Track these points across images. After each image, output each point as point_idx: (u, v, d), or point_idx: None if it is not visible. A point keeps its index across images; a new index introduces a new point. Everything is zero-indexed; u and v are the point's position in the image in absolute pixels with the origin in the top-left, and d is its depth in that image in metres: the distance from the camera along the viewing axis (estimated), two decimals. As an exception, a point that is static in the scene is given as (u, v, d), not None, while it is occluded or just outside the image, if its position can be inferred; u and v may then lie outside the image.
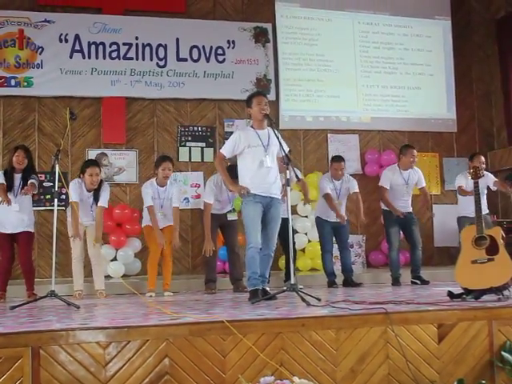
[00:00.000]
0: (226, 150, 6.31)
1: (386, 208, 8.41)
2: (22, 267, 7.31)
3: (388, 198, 8.33)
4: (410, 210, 8.44)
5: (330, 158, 9.17)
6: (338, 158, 8.39)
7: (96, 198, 7.40)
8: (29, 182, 7.13)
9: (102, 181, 7.55)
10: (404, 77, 12.00)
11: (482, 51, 12.64)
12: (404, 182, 8.36)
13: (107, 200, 7.53)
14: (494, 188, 8.81)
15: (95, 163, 7.56)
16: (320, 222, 8.30)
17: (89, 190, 7.40)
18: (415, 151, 8.46)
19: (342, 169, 8.26)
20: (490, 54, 12.58)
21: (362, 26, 11.93)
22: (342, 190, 8.28)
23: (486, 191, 8.77)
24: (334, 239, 8.38)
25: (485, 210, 8.35)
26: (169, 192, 7.70)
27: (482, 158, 8.76)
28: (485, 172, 8.28)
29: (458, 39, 12.38)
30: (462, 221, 8.68)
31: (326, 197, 8.15)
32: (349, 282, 8.11)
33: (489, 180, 8.67)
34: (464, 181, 8.62)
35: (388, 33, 12.04)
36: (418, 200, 9.66)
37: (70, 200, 7.23)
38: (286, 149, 6.24)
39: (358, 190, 8.34)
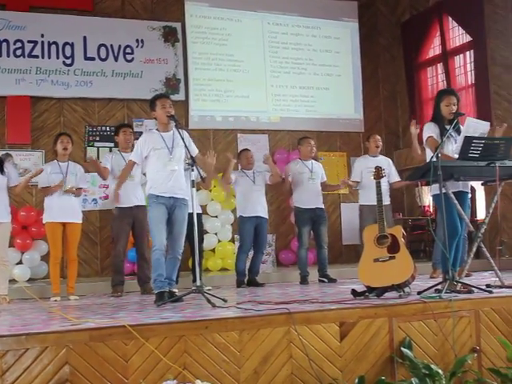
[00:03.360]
0: (134, 156, 6.32)
1: (298, 206, 8.48)
2: None
3: (289, 188, 8.47)
4: (322, 206, 8.50)
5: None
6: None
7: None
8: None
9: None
10: (313, 77, 12.17)
11: (388, 53, 12.97)
12: (308, 170, 8.44)
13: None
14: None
15: None
16: (242, 221, 8.29)
17: None
18: (312, 141, 8.63)
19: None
20: (395, 55, 12.93)
21: (271, 27, 12.03)
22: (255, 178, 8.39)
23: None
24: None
25: (387, 199, 8.54)
26: (74, 167, 7.57)
27: (377, 137, 8.82)
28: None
29: (365, 41, 12.66)
30: (362, 209, 8.70)
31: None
32: (253, 282, 8.17)
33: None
34: None
35: (297, 34, 12.19)
36: (326, 200, 9.76)
37: None
38: (195, 150, 6.26)
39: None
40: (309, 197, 8.38)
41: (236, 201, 8.54)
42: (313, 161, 8.63)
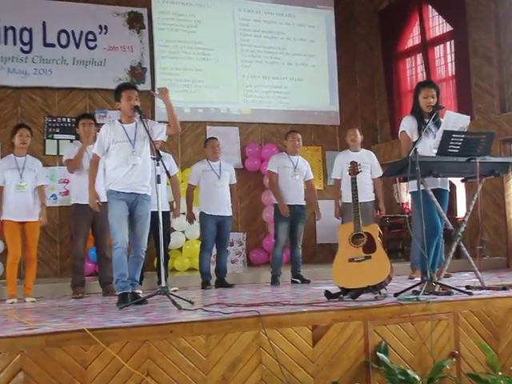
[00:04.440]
0: (97, 150, 6.25)
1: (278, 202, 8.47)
2: None
3: (277, 184, 8.40)
4: (303, 203, 8.48)
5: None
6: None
7: None
8: None
9: None
10: (286, 67, 12.15)
11: (365, 43, 13.01)
12: (292, 166, 8.43)
13: None
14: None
15: None
16: (204, 218, 8.26)
17: None
18: (299, 135, 8.62)
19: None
20: (373, 45, 12.97)
21: (242, 14, 11.99)
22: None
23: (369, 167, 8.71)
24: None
25: (370, 196, 8.63)
26: (32, 163, 7.47)
27: (353, 131, 8.86)
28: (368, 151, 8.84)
29: (341, 30, 12.66)
30: (345, 208, 8.68)
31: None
32: (221, 283, 8.16)
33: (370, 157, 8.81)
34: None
35: (270, 21, 12.16)
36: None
37: None
38: (164, 136, 6.24)
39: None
40: (290, 193, 8.37)
41: (199, 195, 8.49)
42: (299, 157, 8.61)
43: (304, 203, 8.50)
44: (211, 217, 8.18)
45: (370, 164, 8.64)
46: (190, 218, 8.35)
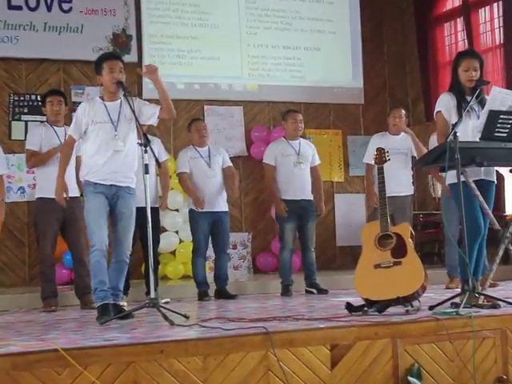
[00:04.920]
0: (73, 131, 6.23)
1: (282, 198, 8.45)
2: None
3: (273, 179, 8.43)
4: (310, 197, 8.51)
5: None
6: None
7: None
8: None
9: None
10: (300, 35, 12.13)
11: (394, 4, 12.98)
12: (294, 152, 8.45)
13: None
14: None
15: None
16: (193, 216, 8.28)
17: None
18: (300, 115, 8.69)
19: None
20: (404, 7, 12.94)
21: (247, -31, 11.99)
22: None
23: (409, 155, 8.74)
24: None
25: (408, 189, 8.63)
26: None
27: (402, 111, 8.86)
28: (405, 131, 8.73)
29: (366, -11, 12.64)
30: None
31: None
32: (222, 293, 8.17)
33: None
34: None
35: (280, -22, 12.14)
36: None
37: None
38: (155, 121, 6.22)
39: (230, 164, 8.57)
40: (294, 185, 8.38)
41: None
42: (301, 140, 8.66)
43: (311, 197, 8.53)
44: (203, 214, 8.17)
45: (408, 150, 8.63)
46: (199, 203, 8.12)
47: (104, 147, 6.04)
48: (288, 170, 8.40)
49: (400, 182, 8.14)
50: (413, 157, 8.63)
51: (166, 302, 7.05)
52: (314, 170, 8.68)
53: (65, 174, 6.35)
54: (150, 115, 6.17)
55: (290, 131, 8.58)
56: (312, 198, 8.52)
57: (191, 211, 8.28)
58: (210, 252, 8.69)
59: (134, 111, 5.99)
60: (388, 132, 8.84)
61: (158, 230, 8.29)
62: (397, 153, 8.28)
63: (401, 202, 8.25)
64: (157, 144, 7.95)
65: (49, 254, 7.57)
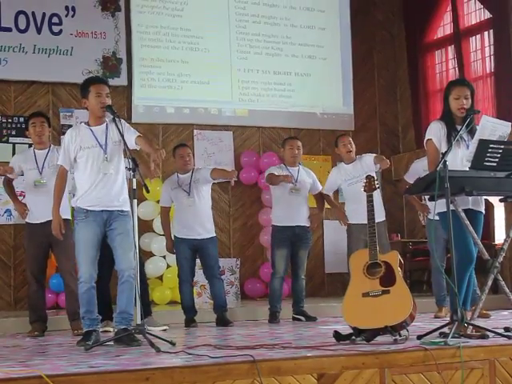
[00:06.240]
0: (62, 160, 6.21)
1: (275, 224, 8.54)
2: None
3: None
4: (305, 224, 8.50)
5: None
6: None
7: None
8: None
9: None
10: (290, 60, 12.20)
11: (385, 31, 13.07)
12: (292, 179, 8.44)
13: None
14: (377, 167, 8.55)
15: None
16: (177, 243, 8.27)
17: None
18: (298, 142, 8.70)
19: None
20: (395, 34, 13.02)
21: (238, -5, 12.05)
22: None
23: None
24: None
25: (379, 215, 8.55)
26: None
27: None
28: (362, 155, 8.69)
29: (357, 15, 12.73)
30: (351, 230, 8.68)
31: None
32: (220, 321, 8.08)
33: (367, 161, 8.58)
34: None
35: (271, 4, 12.20)
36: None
37: None
38: (132, 137, 6.11)
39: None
40: (289, 212, 8.39)
41: (174, 216, 8.52)
42: (301, 167, 8.68)
43: (307, 224, 8.52)
44: (183, 240, 8.17)
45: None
46: (170, 248, 8.36)
47: (94, 171, 6.03)
48: (283, 196, 8.41)
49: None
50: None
51: (164, 330, 7.08)
52: (318, 195, 8.75)
53: (60, 206, 6.32)
54: (130, 138, 6.10)
55: (287, 158, 8.60)
56: (307, 225, 8.53)
57: (175, 237, 8.28)
58: (198, 277, 8.67)
59: (122, 134, 5.97)
60: (343, 162, 8.77)
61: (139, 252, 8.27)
62: (359, 180, 8.11)
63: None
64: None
65: (36, 277, 7.54)
